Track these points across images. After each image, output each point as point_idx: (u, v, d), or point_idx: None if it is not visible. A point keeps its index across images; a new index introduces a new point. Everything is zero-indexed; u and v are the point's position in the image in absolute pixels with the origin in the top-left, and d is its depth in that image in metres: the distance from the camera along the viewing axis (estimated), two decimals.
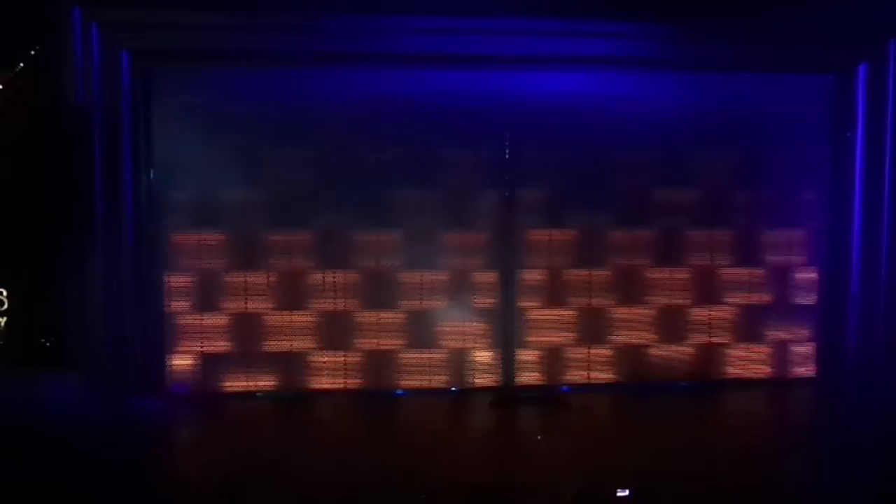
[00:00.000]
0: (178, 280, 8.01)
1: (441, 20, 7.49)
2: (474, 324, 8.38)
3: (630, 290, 8.54)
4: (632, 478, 4.96)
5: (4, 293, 7.43)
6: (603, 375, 8.52)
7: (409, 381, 8.31)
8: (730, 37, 7.94)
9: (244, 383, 8.12)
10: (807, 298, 8.69)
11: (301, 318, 8.19)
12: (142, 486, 5.29)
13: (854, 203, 8.36)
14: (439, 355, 8.35)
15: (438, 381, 8.35)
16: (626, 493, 4.27)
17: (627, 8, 7.54)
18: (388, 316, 8.28)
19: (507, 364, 8.41)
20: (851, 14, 7.61)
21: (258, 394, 8.11)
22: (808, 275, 8.65)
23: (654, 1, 7.59)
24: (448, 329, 8.35)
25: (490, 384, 8.39)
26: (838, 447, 6.48)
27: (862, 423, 7.12)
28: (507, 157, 8.35)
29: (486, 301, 8.38)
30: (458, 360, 8.39)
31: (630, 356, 8.56)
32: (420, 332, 8.32)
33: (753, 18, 7.68)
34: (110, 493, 4.87)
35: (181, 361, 8.04)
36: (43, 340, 7.53)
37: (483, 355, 8.43)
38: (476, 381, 8.42)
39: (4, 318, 7.44)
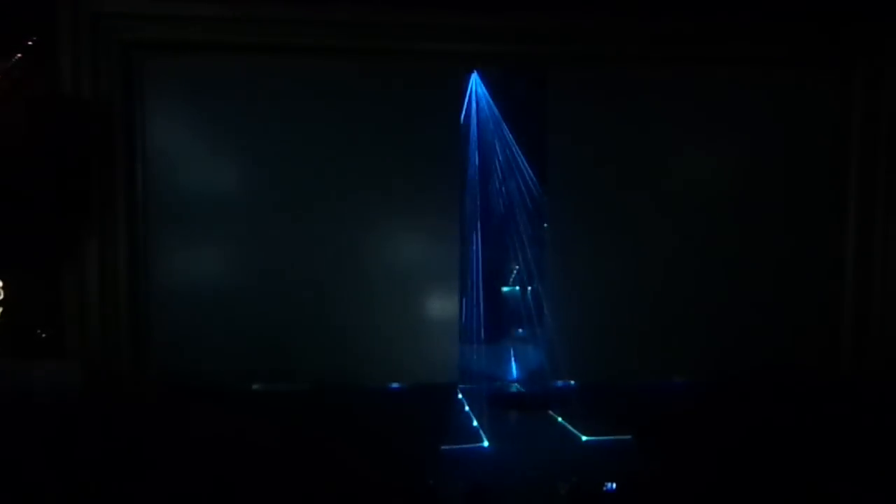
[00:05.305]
0: (173, 272, 7.98)
1: None
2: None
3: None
4: None
5: (0, 284, 7.42)
6: None
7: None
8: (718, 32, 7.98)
9: (241, 376, 8.07)
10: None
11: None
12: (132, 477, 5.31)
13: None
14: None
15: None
16: (613, 486, 4.29)
17: None
18: None
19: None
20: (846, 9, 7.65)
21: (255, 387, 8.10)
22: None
23: None
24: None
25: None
26: None
27: None
28: None
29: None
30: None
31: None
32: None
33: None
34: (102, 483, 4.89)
35: (177, 353, 7.97)
36: (39, 331, 7.51)
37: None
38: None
39: (0, 309, 7.43)
